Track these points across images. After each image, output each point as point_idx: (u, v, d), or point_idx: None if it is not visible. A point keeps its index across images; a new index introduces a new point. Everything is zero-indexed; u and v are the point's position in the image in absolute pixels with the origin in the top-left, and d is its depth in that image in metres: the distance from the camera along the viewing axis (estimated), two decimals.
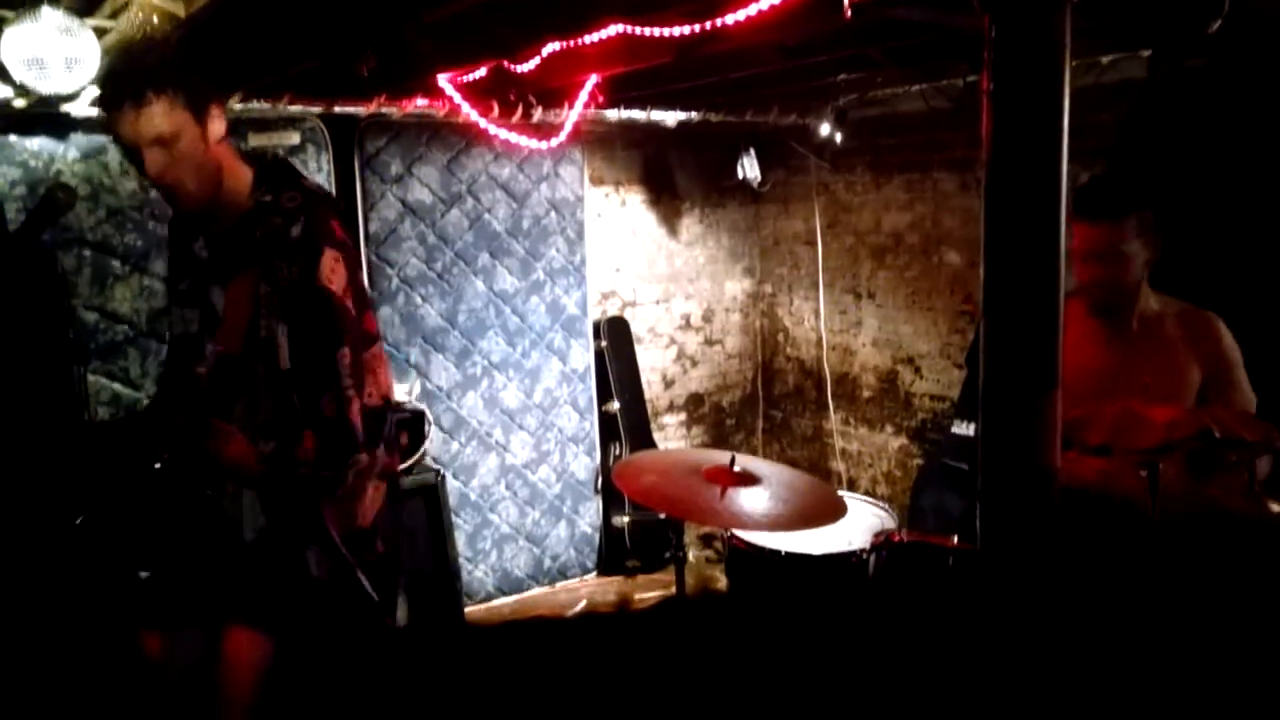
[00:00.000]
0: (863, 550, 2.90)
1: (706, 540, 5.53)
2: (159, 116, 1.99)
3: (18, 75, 3.11)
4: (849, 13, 1.84)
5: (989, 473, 1.86)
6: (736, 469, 2.61)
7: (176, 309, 2.27)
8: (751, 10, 2.56)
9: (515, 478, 4.90)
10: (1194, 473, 2.46)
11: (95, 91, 2.85)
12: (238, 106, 3.79)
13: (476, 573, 4.76)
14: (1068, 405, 1.90)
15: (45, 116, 3.47)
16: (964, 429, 4.27)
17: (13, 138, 3.55)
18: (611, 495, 5.17)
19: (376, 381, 2.13)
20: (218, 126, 2.09)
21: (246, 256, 2.09)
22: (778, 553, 2.98)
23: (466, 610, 4.49)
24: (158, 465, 2.20)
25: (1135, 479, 2.39)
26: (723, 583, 3.55)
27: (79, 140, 3.64)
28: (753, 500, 2.54)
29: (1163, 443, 2.38)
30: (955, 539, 2.73)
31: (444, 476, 4.23)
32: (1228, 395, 2.67)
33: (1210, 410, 2.57)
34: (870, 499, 3.40)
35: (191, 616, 2.17)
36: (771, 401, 6.13)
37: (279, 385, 2.07)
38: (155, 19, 2.97)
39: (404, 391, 4.28)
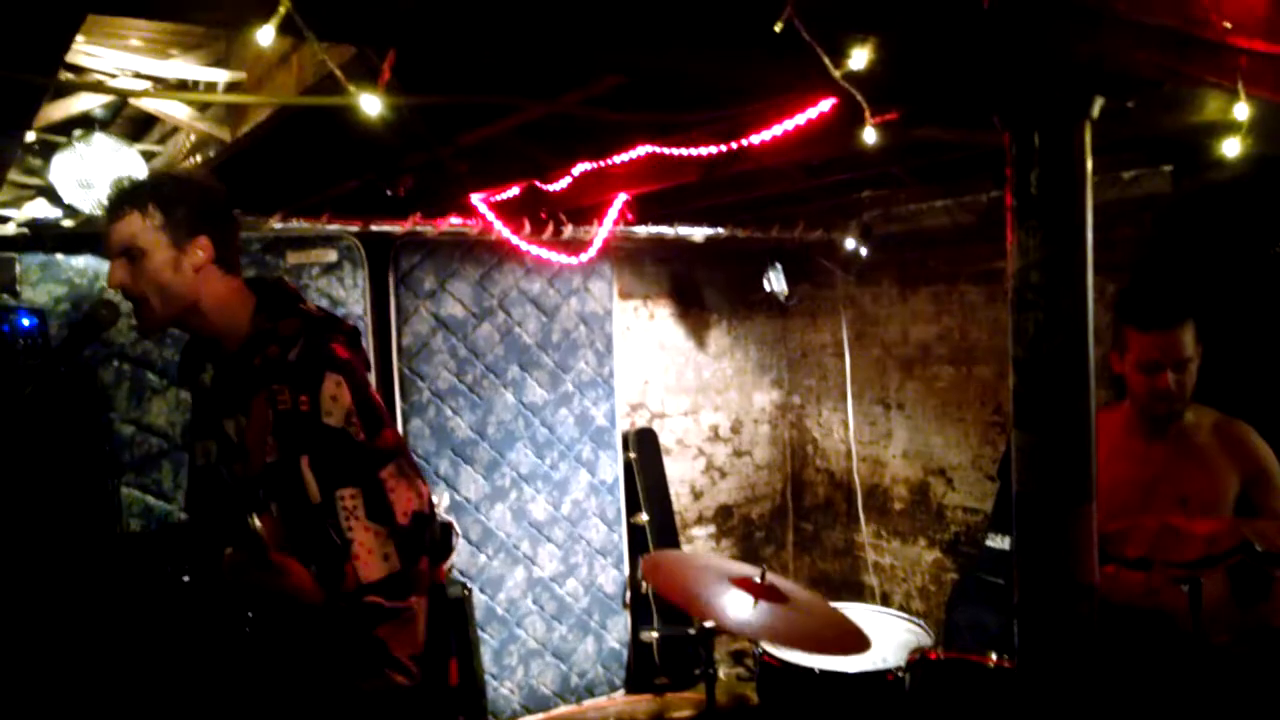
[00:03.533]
0: (898, 669, 2.83)
1: (737, 657, 5.41)
2: (128, 230, 2.05)
3: (67, 196, 3.24)
4: (871, 138, 1.89)
5: (1025, 588, 1.83)
6: (765, 582, 2.58)
7: (196, 441, 2.28)
8: (776, 131, 2.63)
9: (542, 591, 4.85)
10: (1237, 592, 2.40)
11: None
12: (278, 225, 3.90)
13: (502, 690, 4.67)
14: (1105, 518, 1.88)
15: (91, 236, 3.59)
16: (999, 543, 4.20)
17: (59, 256, 3.67)
18: (640, 610, 5.08)
19: (406, 496, 2.10)
20: (198, 256, 2.09)
21: (250, 385, 2.10)
22: (811, 671, 2.91)
23: None
24: (186, 579, 2.20)
25: (1176, 594, 2.33)
26: (755, 700, 3.46)
27: None
28: (780, 615, 2.50)
29: (1204, 556, 2.33)
30: (992, 656, 2.66)
31: (470, 591, 4.19)
32: (1266, 506, 2.62)
33: (1250, 523, 2.52)
34: (904, 615, 3.33)
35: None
36: (801, 513, 6.06)
37: (310, 517, 2.06)
38: (201, 143, 3.09)
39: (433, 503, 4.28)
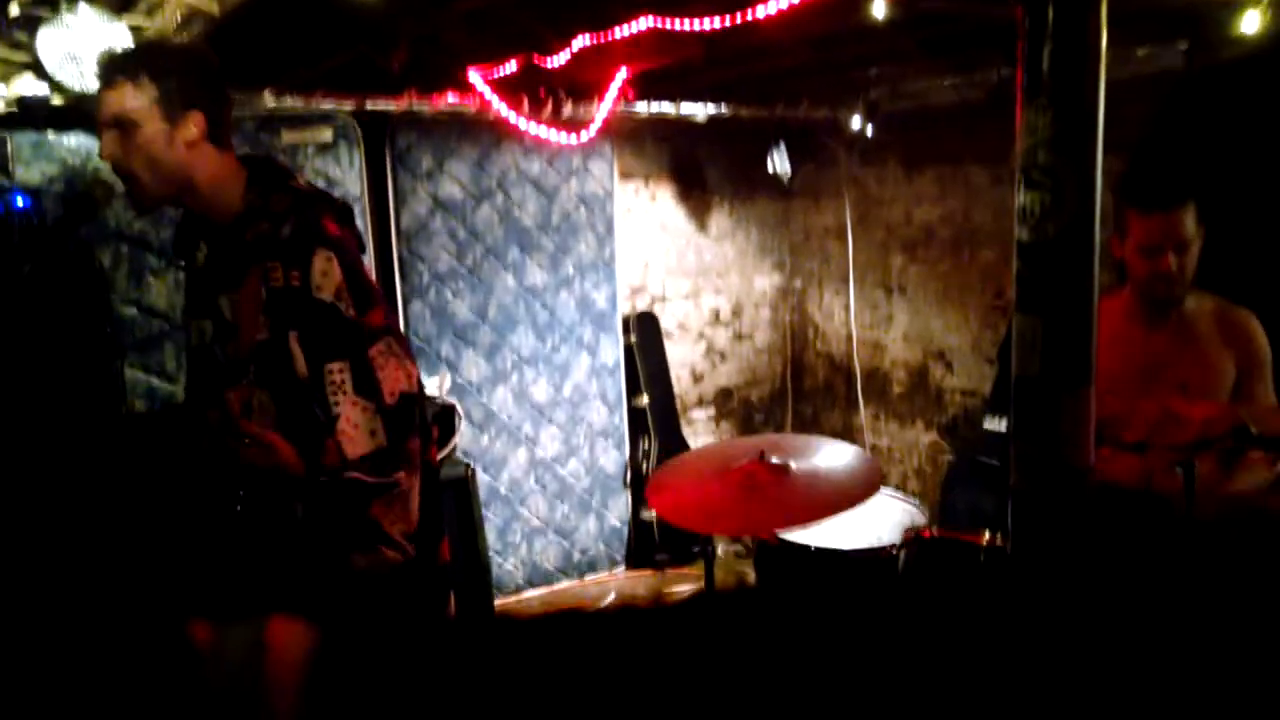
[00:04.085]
0: (893, 546, 2.88)
1: (736, 536, 5.52)
2: (120, 100, 2.01)
3: (54, 72, 3.15)
4: (880, 9, 1.83)
5: (1020, 470, 1.84)
6: (769, 465, 2.60)
7: (192, 320, 2.27)
8: (782, 2, 2.55)
9: (544, 471, 4.92)
10: (1222, 468, 2.43)
11: None
12: (270, 102, 3.82)
13: (506, 565, 4.78)
14: (1104, 402, 1.88)
15: (82, 113, 3.51)
16: (996, 425, 4.23)
17: (50, 135, 3.61)
18: (641, 489, 5.17)
19: (394, 375, 2.10)
20: (191, 131, 2.06)
21: (242, 260, 2.09)
22: (807, 548, 2.97)
23: (496, 603, 4.51)
24: (189, 461, 2.23)
25: (1171, 476, 2.36)
26: (753, 577, 3.54)
27: None
28: (788, 495, 2.52)
29: (1199, 439, 2.35)
30: (986, 536, 2.71)
31: (474, 470, 4.24)
32: (1256, 393, 2.64)
33: (1245, 406, 2.54)
34: (901, 494, 3.38)
35: (240, 608, 2.18)
36: (801, 397, 6.11)
37: (297, 393, 2.07)
38: (189, 16, 3.00)
39: (434, 386, 4.30)
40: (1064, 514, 1.81)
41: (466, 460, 4.38)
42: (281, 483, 2.09)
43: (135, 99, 2.01)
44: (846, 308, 5.59)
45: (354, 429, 2.03)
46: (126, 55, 2.07)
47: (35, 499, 3.00)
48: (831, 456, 2.72)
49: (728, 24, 2.77)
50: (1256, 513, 2.49)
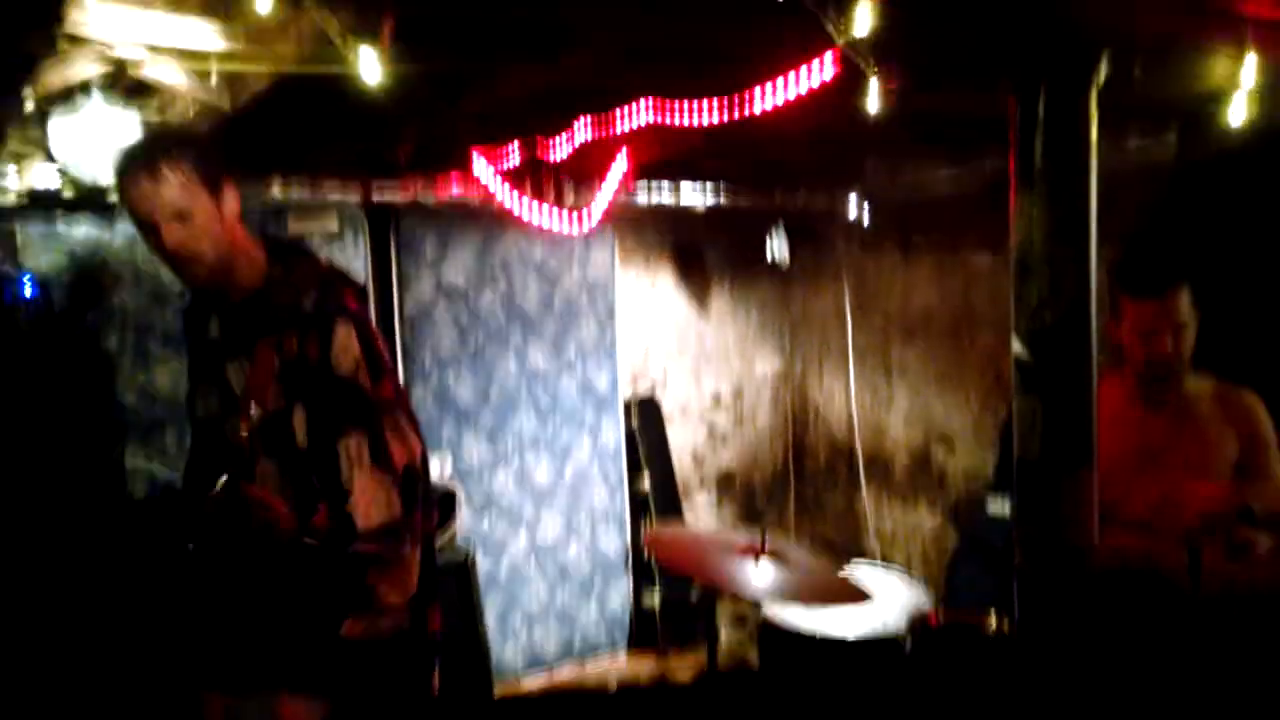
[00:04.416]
0: (898, 635, 2.85)
1: (739, 621, 5.45)
2: (172, 191, 2.04)
3: (63, 164, 3.22)
4: (874, 104, 1.88)
5: (1024, 551, 1.84)
6: (767, 545, 2.60)
7: (199, 396, 2.29)
8: (779, 98, 2.61)
9: (545, 556, 4.88)
10: (1230, 552, 2.42)
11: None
12: (278, 193, 3.89)
13: (506, 652, 4.71)
14: (1106, 483, 1.89)
15: (92, 204, 3.57)
16: (999, 506, 4.22)
17: (60, 224, 3.66)
18: (642, 572, 5.12)
19: (403, 448, 2.12)
20: (232, 203, 2.13)
21: (257, 331, 2.11)
22: (811, 633, 2.94)
23: (496, 689, 4.43)
24: (190, 547, 2.23)
25: (1176, 557, 2.35)
26: (756, 660, 3.49)
27: (123, 225, 3.74)
28: (782, 576, 2.52)
29: (1203, 521, 2.34)
30: (992, 618, 2.68)
31: (474, 556, 4.22)
32: (1262, 474, 2.64)
33: (1250, 487, 2.53)
34: (906, 574, 3.35)
35: (252, 682, 2.16)
36: (803, 479, 6.08)
37: (296, 463, 2.08)
38: (200, 108, 3.07)
39: (435, 468, 4.30)
40: (1069, 594, 1.80)
41: (467, 544, 4.35)
42: (273, 542, 2.08)
43: (186, 187, 2.06)
44: (847, 390, 5.61)
45: (369, 501, 2.04)
46: (158, 145, 2.10)
47: (35, 583, 2.97)
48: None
49: (727, 116, 2.83)
50: (1263, 593, 2.47)
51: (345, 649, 2.08)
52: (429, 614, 2.32)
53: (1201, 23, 1.85)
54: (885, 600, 3.11)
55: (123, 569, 3.06)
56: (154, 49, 2.47)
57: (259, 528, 2.05)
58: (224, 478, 2.01)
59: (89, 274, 3.59)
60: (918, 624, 2.80)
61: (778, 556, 2.60)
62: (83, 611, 2.98)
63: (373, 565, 2.05)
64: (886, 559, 5.48)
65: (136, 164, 2.06)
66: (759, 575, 2.51)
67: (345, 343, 2.08)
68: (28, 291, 3.20)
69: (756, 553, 2.57)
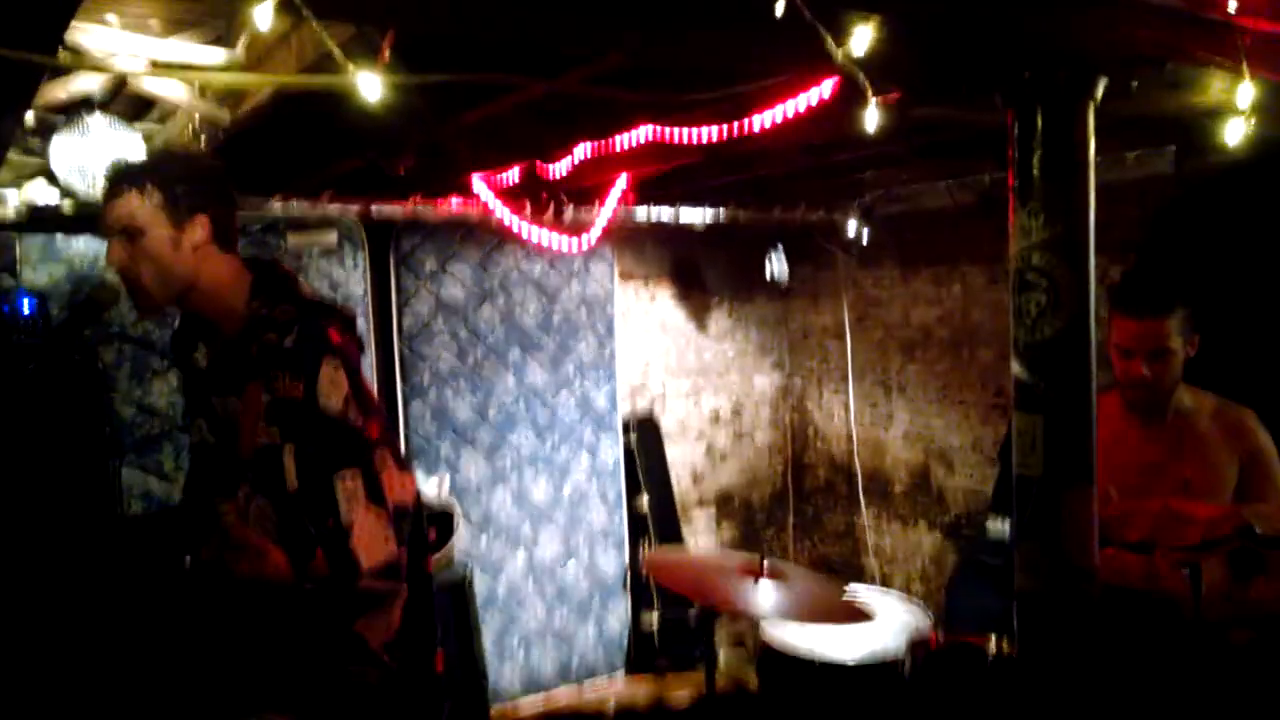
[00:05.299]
0: (898, 653, 2.83)
1: (737, 641, 5.42)
2: (127, 207, 2.04)
3: (65, 180, 3.22)
4: (872, 120, 1.88)
5: (1025, 571, 1.83)
6: (766, 567, 2.59)
7: (194, 417, 2.28)
8: (778, 114, 2.62)
9: (543, 574, 4.86)
10: (1234, 572, 2.41)
11: None
12: (277, 208, 3.89)
13: (503, 672, 4.68)
14: (1105, 502, 1.88)
15: (91, 218, 3.58)
16: (999, 525, 4.20)
17: (59, 238, 3.67)
18: (640, 593, 5.10)
19: (390, 484, 2.10)
20: (196, 235, 2.09)
21: (245, 370, 2.09)
22: (810, 659, 2.92)
23: (492, 710, 4.40)
24: (187, 560, 2.21)
25: (1177, 578, 2.33)
26: (755, 683, 3.48)
27: None
28: (782, 596, 2.51)
29: (1204, 540, 2.33)
30: (992, 640, 2.67)
31: (472, 574, 4.20)
32: (1263, 491, 2.63)
33: (1251, 507, 2.52)
34: (905, 596, 3.33)
35: (241, 708, 2.14)
36: (802, 497, 6.07)
37: (287, 504, 2.06)
38: (200, 125, 3.08)
39: (434, 486, 4.28)
40: (1070, 616, 1.78)
41: (465, 563, 4.33)
42: (268, 594, 2.06)
43: (141, 206, 2.05)
44: (846, 407, 5.60)
45: (370, 538, 2.00)
46: (132, 164, 2.12)
47: (30, 599, 2.96)
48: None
49: (725, 132, 2.83)
50: (1267, 614, 2.45)
51: (337, 693, 2.06)
52: (431, 655, 2.30)
53: (1198, 37, 1.86)
54: (885, 622, 3.10)
55: (118, 583, 3.04)
56: (154, 64, 2.47)
57: (256, 577, 2.03)
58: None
59: (87, 287, 3.59)
60: (917, 646, 2.78)
61: (777, 576, 2.59)
62: (76, 626, 2.96)
63: (369, 607, 2.02)
64: (886, 578, 5.46)
65: (108, 179, 2.09)
66: (759, 596, 2.50)
67: (331, 380, 2.03)
68: (26, 303, 3.19)
69: (757, 574, 2.56)
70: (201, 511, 2.21)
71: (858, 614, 2.54)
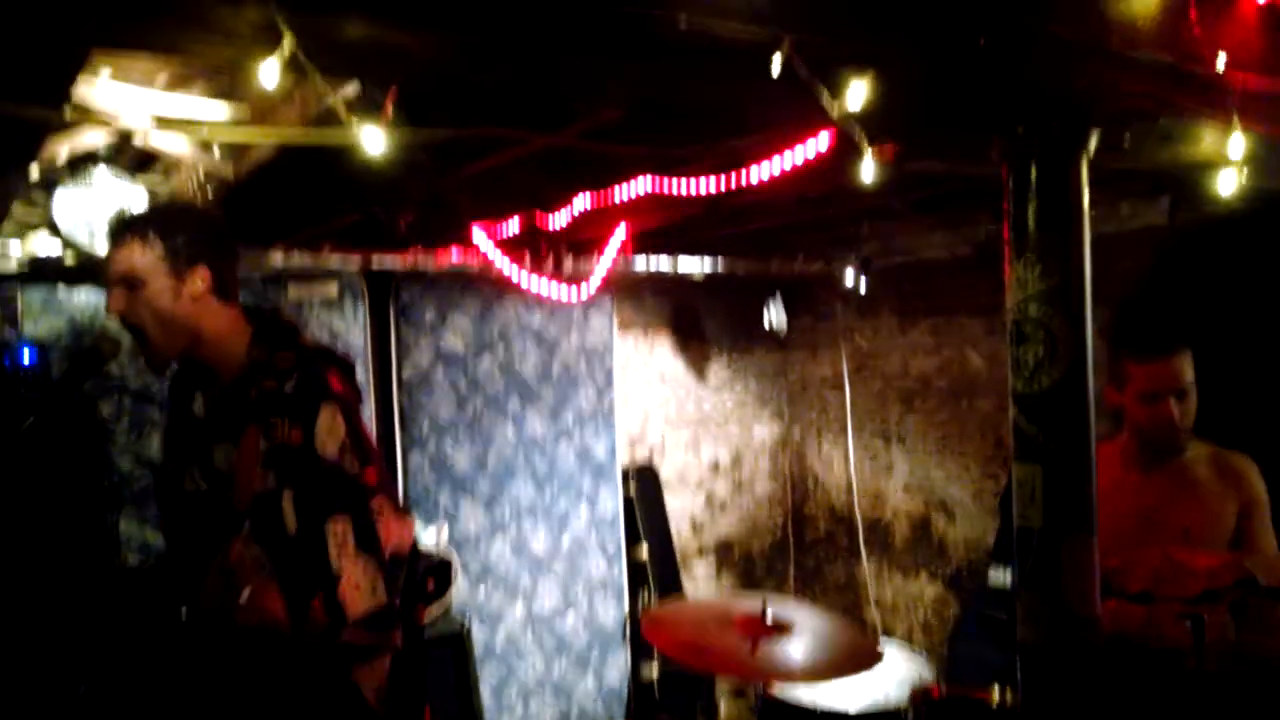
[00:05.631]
0: (900, 708, 2.80)
1: (739, 693, 5.35)
2: (128, 258, 2.07)
3: (68, 233, 3.24)
4: (868, 173, 1.91)
5: (1027, 622, 1.82)
6: (769, 618, 2.56)
7: (186, 466, 2.27)
8: (775, 167, 2.65)
9: (542, 627, 4.81)
10: (1236, 622, 2.39)
11: None
12: (279, 261, 3.91)
13: None
14: (1105, 552, 1.87)
15: (93, 271, 3.60)
16: (1000, 576, 4.17)
17: (60, 290, 3.68)
18: (640, 645, 5.04)
19: (385, 533, 2.10)
20: (196, 286, 2.11)
21: (244, 416, 2.10)
22: (813, 708, 2.89)
23: None
24: (183, 610, 2.20)
25: (1179, 629, 2.32)
26: None
27: None
28: (786, 650, 2.48)
29: (1205, 591, 2.32)
30: (995, 692, 2.64)
31: (470, 625, 4.16)
32: (1262, 540, 2.61)
33: (1252, 557, 2.51)
34: (907, 645, 3.30)
35: None
36: (802, 547, 6.03)
37: (287, 549, 2.06)
38: (204, 179, 3.11)
39: (432, 536, 4.26)
40: (1073, 666, 1.77)
41: (464, 614, 4.30)
42: (265, 644, 2.05)
43: (142, 256, 2.08)
44: (846, 458, 5.59)
45: (355, 588, 2.00)
46: (135, 215, 2.15)
47: (29, 648, 2.93)
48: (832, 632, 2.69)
49: (723, 185, 2.87)
50: (1269, 666, 2.43)
51: None
52: (420, 710, 2.28)
53: (1189, 92, 1.89)
54: (887, 673, 3.07)
55: (115, 634, 3.02)
56: (159, 119, 2.50)
57: (255, 625, 2.02)
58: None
59: (88, 340, 3.61)
60: (920, 697, 2.75)
61: (780, 629, 2.56)
62: (74, 676, 2.94)
63: (361, 657, 2.01)
64: (887, 629, 5.41)
65: (111, 228, 2.12)
66: (762, 655, 2.47)
67: (329, 426, 2.05)
68: (26, 355, 3.20)
69: (757, 632, 2.52)
70: (194, 562, 2.19)
71: (864, 658, 2.51)
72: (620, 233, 4.18)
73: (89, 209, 3.20)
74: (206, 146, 2.97)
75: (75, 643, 3.02)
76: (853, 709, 2.87)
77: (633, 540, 5.15)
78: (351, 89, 2.02)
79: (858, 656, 2.55)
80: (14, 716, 2.82)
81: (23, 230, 3.55)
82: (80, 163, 3.18)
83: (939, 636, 5.07)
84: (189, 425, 2.28)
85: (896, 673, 3.08)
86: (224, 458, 2.14)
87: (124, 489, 3.77)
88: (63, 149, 3.04)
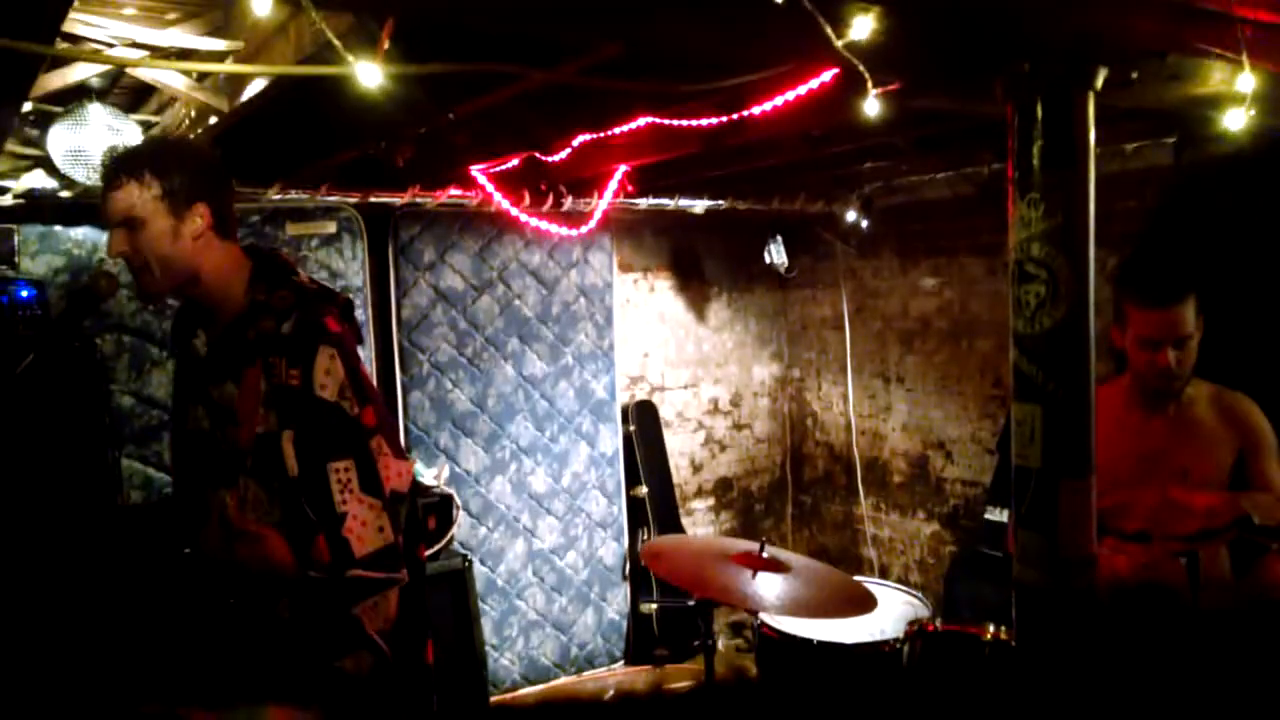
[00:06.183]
0: (896, 640, 2.84)
1: (736, 629, 5.44)
2: (126, 199, 2.04)
3: (63, 168, 3.22)
4: (872, 109, 1.88)
5: (1023, 561, 1.83)
6: (765, 555, 2.59)
7: (189, 405, 2.28)
8: (777, 101, 2.61)
9: (543, 563, 4.87)
10: (1232, 561, 2.41)
11: None
12: (276, 197, 3.89)
13: (502, 661, 4.70)
14: (1103, 492, 1.88)
15: (90, 207, 3.57)
16: (997, 516, 4.21)
17: (58, 228, 3.66)
18: (639, 581, 5.11)
19: (387, 472, 2.11)
20: (196, 224, 2.09)
21: (244, 356, 2.10)
22: (809, 642, 2.93)
23: (491, 699, 4.42)
24: (187, 551, 2.21)
25: (1174, 567, 2.34)
26: (754, 671, 3.49)
27: None
28: (781, 586, 2.51)
29: (1202, 530, 2.34)
30: (990, 629, 2.67)
31: (471, 562, 4.20)
32: (1261, 476, 2.62)
33: (1249, 496, 2.52)
34: (903, 587, 3.34)
35: (237, 696, 2.14)
36: (801, 487, 6.08)
37: (288, 490, 2.07)
38: (199, 113, 3.07)
39: (432, 476, 4.29)
40: (1068, 605, 1.79)
41: (464, 552, 4.34)
42: (269, 582, 2.07)
43: (140, 197, 2.05)
44: (845, 397, 5.61)
45: (362, 527, 2.02)
46: (129, 155, 2.11)
47: (30, 588, 2.96)
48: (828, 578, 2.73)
49: (725, 121, 2.83)
50: (1264, 603, 2.46)
51: (334, 682, 2.06)
52: (422, 645, 2.30)
53: (1198, 28, 1.85)
54: (883, 610, 3.11)
55: (118, 573, 3.05)
56: (153, 53, 2.46)
57: (258, 564, 2.04)
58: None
59: (86, 277, 3.60)
60: (916, 633, 2.79)
61: (777, 566, 2.60)
62: (76, 615, 2.97)
63: (367, 593, 2.03)
64: (884, 568, 5.48)
65: (106, 169, 2.08)
66: (758, 588, 2.51)
67: (327, 367, 2.04)
68: (24, 293, 3.19)
69: (755, 565, 2.56)
70: (198, 500, 2.21)
71: (859, 603, 2.55)
72: (620, 170, 4.14)
73: (84, 144, 3.17)
74: (201, 81, 2.93)
75: (78, 580, 3.05)
76: (849, 641, 2.91)
77: (632, 479, 5.18)
78: (346, 23, 1.98)
79: (850, 602, 2.59)
80: (16, 656, 2.85)
81: (18, 169, 3.52)
82: (74, 97, 3.14)
83: (935, 575, 5.13)
84: (192, 364, 2.28)
85: (893, 609, 3.12)
86: (226, 397, 2.15)
87: (124, 427, 3.78)
88: (56, 84, 3.00)
